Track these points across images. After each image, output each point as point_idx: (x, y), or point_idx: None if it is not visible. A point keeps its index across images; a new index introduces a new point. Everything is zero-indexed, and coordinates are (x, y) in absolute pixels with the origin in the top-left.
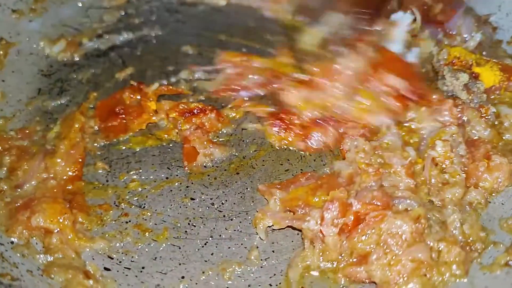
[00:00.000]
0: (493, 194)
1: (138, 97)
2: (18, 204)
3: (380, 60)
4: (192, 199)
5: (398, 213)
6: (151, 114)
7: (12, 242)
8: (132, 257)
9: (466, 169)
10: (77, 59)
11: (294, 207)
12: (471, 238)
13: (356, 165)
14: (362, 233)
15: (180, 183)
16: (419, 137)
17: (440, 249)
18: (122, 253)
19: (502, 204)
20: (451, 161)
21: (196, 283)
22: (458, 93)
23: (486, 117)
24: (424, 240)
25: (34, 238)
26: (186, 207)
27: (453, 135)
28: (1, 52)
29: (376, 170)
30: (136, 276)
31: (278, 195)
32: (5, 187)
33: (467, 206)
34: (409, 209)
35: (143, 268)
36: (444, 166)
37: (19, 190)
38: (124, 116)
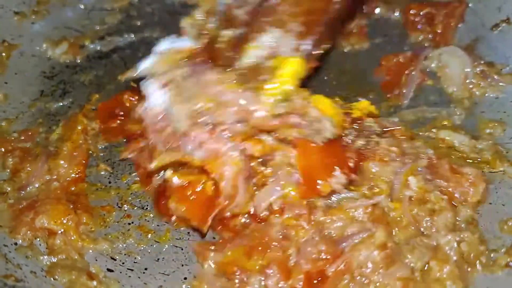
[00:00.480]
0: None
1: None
2: (22, 205)
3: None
4: None
5: (362, 243)
6: None
7: (15, 244)
8: (135, 258)
9: (448, 190)
10: (79, 61)
11: (231, 273)
12: (472, 255)
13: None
14: (333, 286)
15: None
16: (386, 184)
17: (428, 267)
18: (125, 254)
19: (503, 205)
20: (428, 192)
21: None
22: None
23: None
24: (399, 260)
25: (38, 239)
26: None
27: (420, 168)
28: (4, 54)
29: (309, 222)
30: (139, 277)
31: (212, 259)
32: (9, 188)
33: (463, 225)
34: (365, 236)
35: (146, 269)
36: (426, 200)
37: (23, 192)
38: (123, 118)
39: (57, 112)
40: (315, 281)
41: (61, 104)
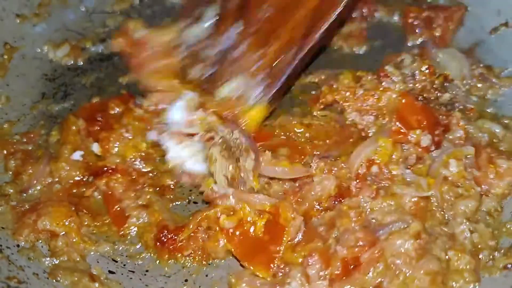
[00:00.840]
0: (505, 199)
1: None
2: (24, 208)
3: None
4: (195, 203)
5: (397, 232)
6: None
7: (18, 245)
8: (136, 260)
9: (475, 177)
10: (80, 63)
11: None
12: (479, 246)
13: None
14: (364, 272)
15: (183, 187)
16: (431, 159)
17: (448, 257)
18: (126, 256)
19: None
20: (464, 178)
21: (200, 286)
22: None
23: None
24: (429, 252)
25: (40, 241)
26: (190, 211)
27: (469, 156)
28: (6, 57)
29: (359, 214)
30: (140, 279)
31: None
32: (11, 190)
33: (486, 217)
34: (402, 227)
35: (147, 271)
36: (458, 184)
37: (24, 194)
38: (101, 124)
39: (59, 114)
40: (350, 267)
41: (63, 106)
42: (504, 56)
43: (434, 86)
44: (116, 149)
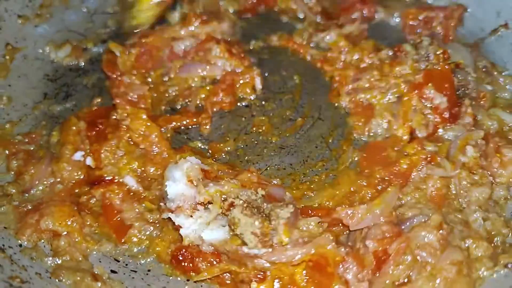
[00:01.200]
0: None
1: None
2: (27, 208)
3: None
4: None
5: (420, 225)
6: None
7: (20, 245)
8: (138, 259)
9: (481, 166)
10: (82, 64)
11: None
12: (493, 233)
13: None
14: (396, 264)
15: None
16: (447, 147)
17: (467, 246)
18: (128, 255)
19: None
20: (478, 165)
21: (201, 286)
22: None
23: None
24: (450, 243)
25: (42, 241)
26: None
27: (478, 140)
28: (8, 57)
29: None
30: (142, 278)
31: None
32: (13, 190)
33: (496, 206)
34: (423, 220)
35: (149, 271)
36: (474, 172)
37: (26, 194)
38: (99, 130)
39: (60, 115)
40: (382, 258)
41: (64, 106)
42: (504, 57)
43: None
44: (109, 161)
